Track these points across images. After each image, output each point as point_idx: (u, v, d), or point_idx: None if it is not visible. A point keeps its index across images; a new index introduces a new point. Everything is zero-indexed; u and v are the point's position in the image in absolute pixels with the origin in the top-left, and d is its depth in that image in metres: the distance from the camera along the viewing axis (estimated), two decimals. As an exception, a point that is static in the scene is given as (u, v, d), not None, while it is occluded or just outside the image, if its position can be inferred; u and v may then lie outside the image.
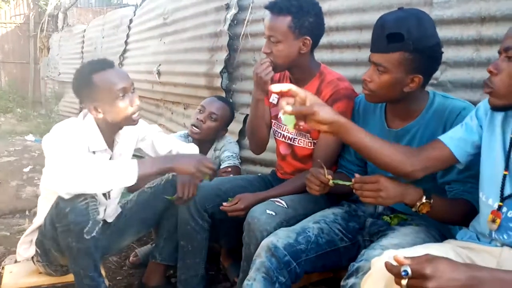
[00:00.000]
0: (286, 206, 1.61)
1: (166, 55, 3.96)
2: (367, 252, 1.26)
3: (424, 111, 1.48)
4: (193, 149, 1.98)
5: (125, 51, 5.16)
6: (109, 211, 1.84)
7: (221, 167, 2.24)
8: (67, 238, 1.50)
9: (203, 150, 2.25)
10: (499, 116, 1.21)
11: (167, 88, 3.93)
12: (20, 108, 9.31)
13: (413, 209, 1.32)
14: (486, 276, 0.89)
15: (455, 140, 1.28)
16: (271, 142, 1.96)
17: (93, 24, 6.95)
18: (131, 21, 5.11)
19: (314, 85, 1.74)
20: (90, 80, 1.60)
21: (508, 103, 1.12)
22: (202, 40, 3.31)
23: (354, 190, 1.31)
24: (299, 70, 1.74)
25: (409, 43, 1.32)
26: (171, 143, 1.96)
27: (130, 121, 1.68)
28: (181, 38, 3.70)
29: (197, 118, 2.19)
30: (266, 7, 1.67)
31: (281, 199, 1.64)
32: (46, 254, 1.70)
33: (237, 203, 1.71)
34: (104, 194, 1.75)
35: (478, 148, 1.26)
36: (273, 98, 1.90)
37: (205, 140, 2.26)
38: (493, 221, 1.17)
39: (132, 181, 1.53)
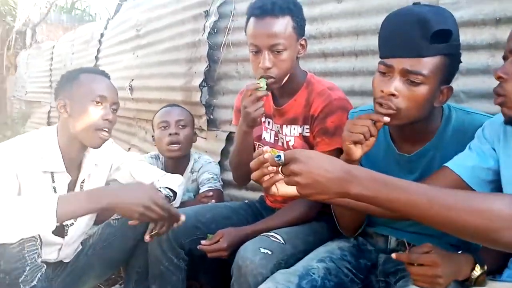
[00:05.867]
0: (283, 241, 1.32)
1: (139, 69, 3.69)
2: None
3: (440, 129, 1.22)
4: (179, 180, 1.69)
5: (95, 66, 4.85)
6: (68, 251, 1.54)
7: (200, 191, 1.98)
8: None
9: (180, 171, 1.98)
10: None
11: (140, 105, 3.64)
12: (-15, 130, 8.78)
13: (467, 283, 1.03)
14: (362, 173, 0.86)
15: (467, 168, 1.06)
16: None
17: (63, 40, 6.64)
18: (102, 35, 4.86)
19: (302, 97, 1.51)
20: (76, 76, 1.50)
21: None
22: (179, 51, 3.06)
23: (405, 265, 1.02)
24: (288, 81, 1.46)
25: (454, 43, 1.08)
26: (154, 174, 1.67)
27: (93, 136, 1.42)
28: (156, 50, 3.44)
29: (170, 134, 1.96)
30: (261, 11, 1.36)
31: (276, 233, 1.36)
32: None
33: (218, 240, 1.42)
34: (60, 232, 1.44)
35: (497, 174, 1.05)
36: None
37: (182, 158, 2.03)
38: None
39: (49, 226, 1.17)
